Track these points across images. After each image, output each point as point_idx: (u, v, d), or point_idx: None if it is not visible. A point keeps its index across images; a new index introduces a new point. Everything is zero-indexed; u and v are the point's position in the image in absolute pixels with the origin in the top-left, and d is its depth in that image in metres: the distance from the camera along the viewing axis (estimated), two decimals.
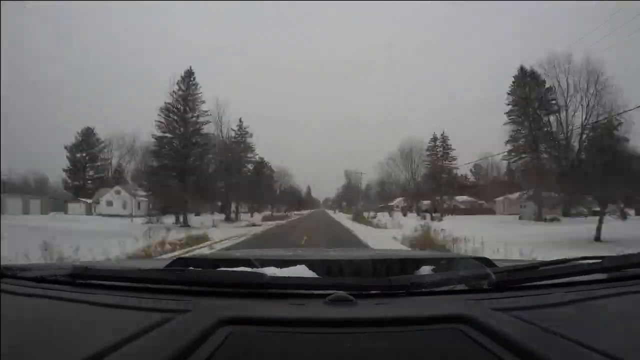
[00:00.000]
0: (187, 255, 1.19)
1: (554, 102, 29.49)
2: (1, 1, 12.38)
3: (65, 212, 37.66)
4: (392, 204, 60.35)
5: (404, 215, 43.86)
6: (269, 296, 0.81)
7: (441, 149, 50.66)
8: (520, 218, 31.34)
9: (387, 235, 17.49)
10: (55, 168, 50.78)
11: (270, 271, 0.89)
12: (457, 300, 0.81)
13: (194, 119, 27.64)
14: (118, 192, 40.55)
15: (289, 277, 0.88)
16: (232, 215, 35.36)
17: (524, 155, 31.49)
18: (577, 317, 0.71)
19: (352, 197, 78.41)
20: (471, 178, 65.91)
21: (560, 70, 28.57)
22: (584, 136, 25.18)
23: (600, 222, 13.64)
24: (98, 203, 41.39)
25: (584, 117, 27.57)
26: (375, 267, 1.06)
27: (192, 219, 26.80)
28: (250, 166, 41.46)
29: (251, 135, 39.14)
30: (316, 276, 0.92)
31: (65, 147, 49.74)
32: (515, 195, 37.73)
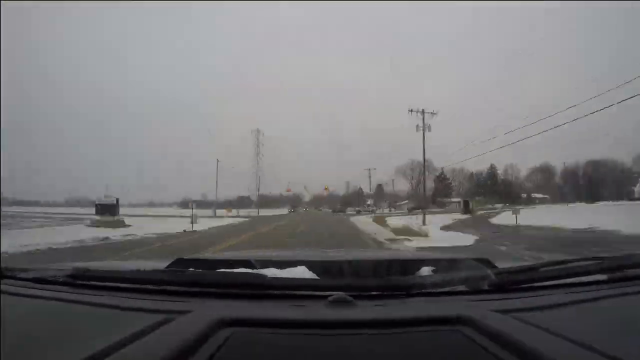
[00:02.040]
0: (187, 256, 1.20)
1: None
2: (1, 1, 12.16)
3: None
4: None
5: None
6: (269, 297, 0.81)
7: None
8: None
9: None
10: None
11: (271, 272, 0.89)
12: (457, 301, 0.81)
13: None
14: None
15: (289, 278, 0.88)
16: None
17: None
18: (577, 318, 0.71)
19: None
20: None
21: None
22: None
23: None
24: None
25: None
26: (375, 268, 1.05)
27: None
28: None
29: None
30: (316, 277, 0.92)
31: None
32: None
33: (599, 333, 0.63)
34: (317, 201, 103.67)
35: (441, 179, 75.50)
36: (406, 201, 72.61)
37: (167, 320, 0.67)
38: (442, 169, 68.10)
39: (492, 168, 76.74)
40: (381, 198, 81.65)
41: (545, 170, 78.06)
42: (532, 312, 0.71)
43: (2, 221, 17.77)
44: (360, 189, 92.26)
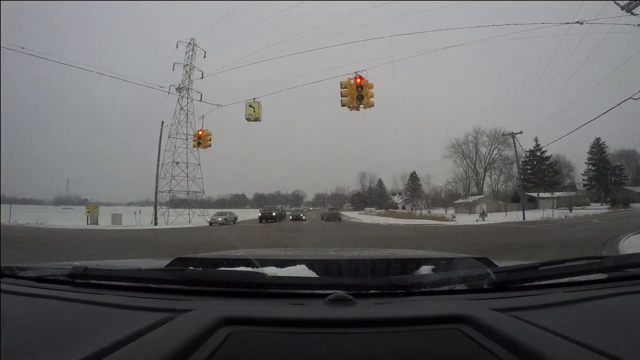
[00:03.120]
0: (187, 255, 1.20)
1: None
2: (1, 1, 10.60)
3: None
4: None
5: None
6: (269, 296, 0.81)
7: None
8: None
9: None
10: None
11: (271, 271, 0.89)
12: (456, 300, 0.81)
13: None
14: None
15: (289, 277, 0.88)
16: None
17: None
18: (576, 317, 0.71)
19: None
20: None
21: None
22: None
23: None
24: None
25: None
26: (374, 267, 1.05)
27: None
28: None
29: None
30: (316, 276, 0.92)
31: None
32: None
33: (597, 332, 0.63)
34: (321, 201, 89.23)
35: (540, 158, 47.65)
36: (477, 197, 48.44)
37: (168, 318, 0.67)
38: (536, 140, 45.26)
39: (600, 144, 50.60)
40: (416, 194, 60.83)
41: None
42: (531, 311, 0.72)
43: None
44: (381, 181, 74.12)
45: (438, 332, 0.63)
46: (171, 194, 30.97)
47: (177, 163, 31.46)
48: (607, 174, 51.60)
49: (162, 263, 1.08)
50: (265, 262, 0.99)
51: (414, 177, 64.04)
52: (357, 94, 9.96)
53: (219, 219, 26.02)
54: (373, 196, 73.18)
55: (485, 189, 55.86)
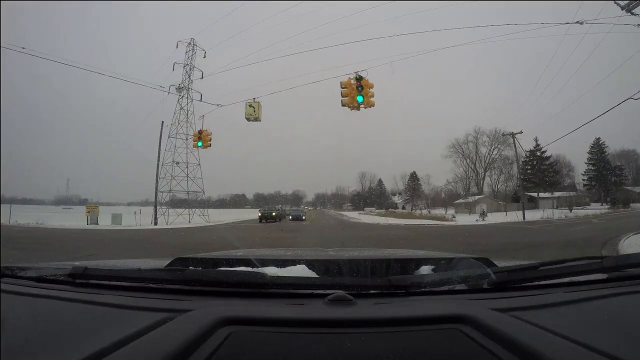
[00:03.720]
0: (186, 255, 1.20)
1: None
2: (1, 1, 10.44)
3: None
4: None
5: None
6: (269, 296, 0.81)
7: None
8: None
9: None
10: None
11: (271, 271, 0.89)
12: (456, 300, 0.82)
13: None
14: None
15: (289, 277, 0.88)
16: None
17: None
18: (576, 317, 0.71)
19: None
20: None
21: None
22: None
23: None
24: None
25: None
26: (375, 267, 1.05)
27: None
28: None
29: None
30: (316, 276, 0.92)
31: None
32: None
33: (597, 332, 0.63)
34: (321, 201, 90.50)
35: (540, 158, 47.63)
36: (477, 197, 48.32)
37: (168, 318, 0.67)
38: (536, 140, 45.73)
39: (600, 144, 50.70)
40: (416, 194, 61.15)
41: None
42: (531, 311, 0.71)
43: None
44: (381, 181, 75.06)
45: (438, 332, 0.63)
46: (171, 194, 30.93)
47: (177, 163, 31.44)
48: (607, 174, 51.43)
49: (162, 263, 1.08)
50: (265, 262, 0.99)
51: (414, 177, 64.43)
52: (358, 94, 9.99)
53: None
54: (373, 196, 73.65)
55: (485, 189, 56.01)
